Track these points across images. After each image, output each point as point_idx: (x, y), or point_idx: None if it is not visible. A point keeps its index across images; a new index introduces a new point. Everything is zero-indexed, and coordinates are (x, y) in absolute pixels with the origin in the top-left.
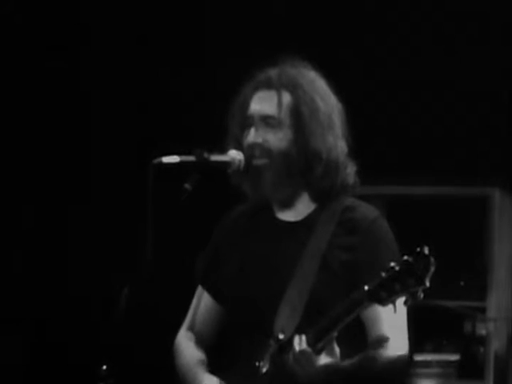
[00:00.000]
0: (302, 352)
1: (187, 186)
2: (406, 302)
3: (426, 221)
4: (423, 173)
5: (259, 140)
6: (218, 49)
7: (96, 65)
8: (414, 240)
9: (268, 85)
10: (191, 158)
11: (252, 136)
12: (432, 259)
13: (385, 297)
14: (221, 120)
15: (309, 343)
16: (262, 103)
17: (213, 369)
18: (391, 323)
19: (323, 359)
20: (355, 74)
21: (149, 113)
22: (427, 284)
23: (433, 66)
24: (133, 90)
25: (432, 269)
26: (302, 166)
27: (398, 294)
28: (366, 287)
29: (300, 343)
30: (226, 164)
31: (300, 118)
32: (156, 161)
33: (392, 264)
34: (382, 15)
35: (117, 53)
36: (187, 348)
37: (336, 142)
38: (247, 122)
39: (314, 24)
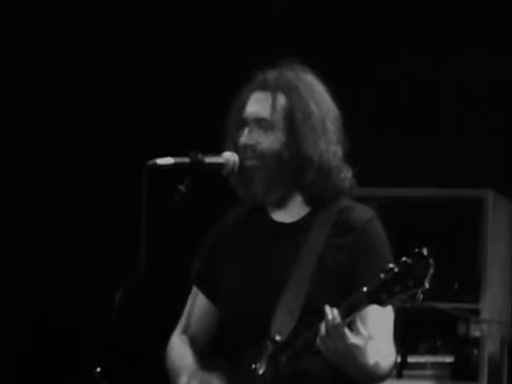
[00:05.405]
0: (336, 325)
1: (182, 187)
2: (405, 303)
3: (419, 222)
4: (417, 175)
5: (252, 141)
6: (218, 50)
7: (95, 64)
8: (408, 241)
9: (264, 87)
10: (186, 160)
11: (245, 137)
12: (431, 260)
13: (385, 298)
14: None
15: (342, 316)
16: (257, 105)
17: (209, 371)
18: (377, 325)
19: (354, 338)
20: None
21: (148, 112)
22: (427, 286)
23: (430, 66)
24: (133, 89)
25: (431, 270)
26: (293, 168)
27: (398, 295)
28: (365, 289)
29: (333, 316)
30: (221, 165)
31: (293, 121)
32: (150, 162)
33: (391, 265)
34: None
35: (116, 50)
36: (180, 352)
37: (328, 146)
38: (242, 122)
39: (312, 25)
